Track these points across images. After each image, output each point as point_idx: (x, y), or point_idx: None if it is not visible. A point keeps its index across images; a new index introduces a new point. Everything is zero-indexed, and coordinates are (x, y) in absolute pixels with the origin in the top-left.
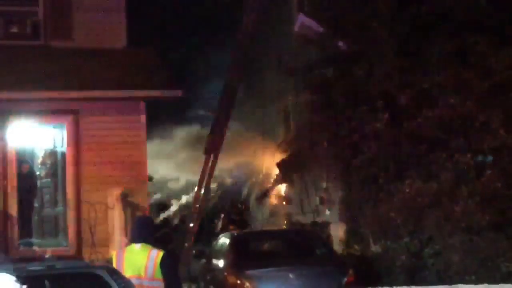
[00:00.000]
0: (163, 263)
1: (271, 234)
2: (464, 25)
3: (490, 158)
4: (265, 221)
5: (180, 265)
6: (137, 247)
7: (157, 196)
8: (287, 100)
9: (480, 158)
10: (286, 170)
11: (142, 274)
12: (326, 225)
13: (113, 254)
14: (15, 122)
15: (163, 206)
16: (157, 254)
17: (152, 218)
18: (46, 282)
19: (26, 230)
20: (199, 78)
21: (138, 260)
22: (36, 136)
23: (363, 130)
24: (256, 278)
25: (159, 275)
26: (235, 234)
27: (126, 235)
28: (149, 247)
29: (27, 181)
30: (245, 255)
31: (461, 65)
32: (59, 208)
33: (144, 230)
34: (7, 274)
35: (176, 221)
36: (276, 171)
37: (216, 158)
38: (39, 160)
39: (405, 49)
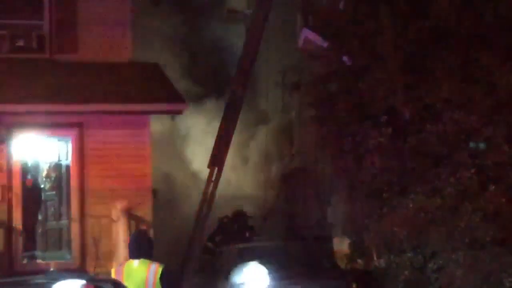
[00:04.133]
0: (163, 278)
1: (276, 248)
2: (469, 40)
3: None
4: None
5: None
6: (135, 263)
7: None
8: (291, 114)
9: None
10: (290, 185)
11: None
12: (329, 239)
13: (112, 270)
14: (20, 135)
15: None
16: (156, 269)
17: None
18: None
19: (30, 243)
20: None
21: (138, 276)
22: (41, 149)
23: (367, 145)
24: None
25: None
26: (240, 247)
27: None
28: (147, 262)
29: (31, 194)
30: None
31: (465, 80)
32: (63, 221)
33: (142, 245)
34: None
35: None
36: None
37: (220, 171)
38: (44, 173)
39: (410, 64)
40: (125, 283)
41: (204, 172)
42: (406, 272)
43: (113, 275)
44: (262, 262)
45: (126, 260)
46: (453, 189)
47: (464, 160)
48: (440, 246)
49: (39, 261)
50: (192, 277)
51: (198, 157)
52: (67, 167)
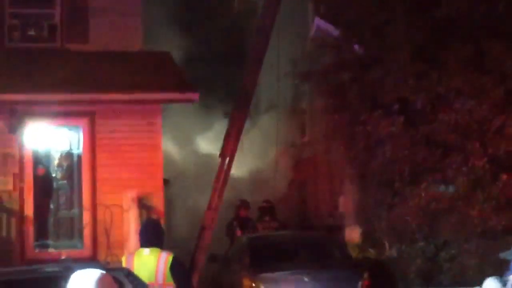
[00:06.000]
0: (173, 266)
1: (287, 237)
2: (481, 30)
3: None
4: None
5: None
6: (146, 252)
7: None
8: (303, 104)
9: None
10: (301, 174)
11: (153, 279)
12: (341, 228)
13: (123, 259)
14: (32, 124)
15: None
16: (166, 258)
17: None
18: None
19: (41, 232)
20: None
21: (148, 265)
22: (52, 138)
23: (378, 134)
24: (271, 281)
25: (169, 279)
26: (251, 237)
27: None
28: (158, 251)
29: (43, 183)
30: (260, 258)
31: (477, 69)
32: (75, 210)
33: (153, 234)
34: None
35: None
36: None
37: (231, 161)
38: (55, 162)
39: (421, 53)
40: (136, 271)
41: (216, 160)
42: (418, 262)
43: (123, 264)
44: (273, 252)
45: (137, 248)
46: (465, 179)
47: (476, 149)
48: (452, 236)
49: (51, 250)
50: (204, 265)
51: (210, 146)
52: (79, 156)
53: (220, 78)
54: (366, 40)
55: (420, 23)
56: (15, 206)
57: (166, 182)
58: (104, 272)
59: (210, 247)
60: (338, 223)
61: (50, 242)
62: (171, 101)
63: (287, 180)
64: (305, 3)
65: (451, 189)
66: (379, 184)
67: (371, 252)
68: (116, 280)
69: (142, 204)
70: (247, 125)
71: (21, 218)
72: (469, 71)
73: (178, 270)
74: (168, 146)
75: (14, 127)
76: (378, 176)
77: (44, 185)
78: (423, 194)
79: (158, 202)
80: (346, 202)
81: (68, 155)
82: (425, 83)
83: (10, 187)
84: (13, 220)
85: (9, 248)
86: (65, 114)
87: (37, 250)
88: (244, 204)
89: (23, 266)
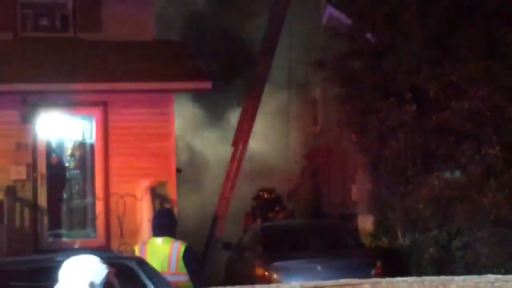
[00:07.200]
0: (186, 256)
1: (299, 226)
2: (494, 17)
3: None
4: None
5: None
6: (158, 241)
7: None
8: (315, 92)
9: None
10: (314, 163)
11: (166, 269)
12: (354, 217)
13: (136, 248)
14: (45, 114)
15: None
16: (179, 247)
17: (173, 210)
18: None
19: (55, 221)
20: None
21: (161, 254)
22: (66, 128)
23: (391, 122)
24: (283, 270)
25: (182, 268)
26: (263, 225)
27: None
28: (171, 240)
29: (56, 172)
30: (273, 246)
31: (491, 57)
32: (88, 199)
33: (165, 223)
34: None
35: None
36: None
37: (244, 150)
38: (68, 152)
39: (434, 40)
40: (149, 260)
41: (229, 150)
42: (431, 250)
43: (136, 253)
44: (285, 240)
45: (150, 238)
46: (478, 167)
47: (489, 137)
48: (465, 224)
49: (64, 239)
50: (217, 254)
51: (223, 135)
52: (92, 145)
53: (232, 66)
54: (379, 28)
55: (432, 10)
56: (29, 196)
57: (178, 171)
58: (97, 258)
59: (223, 235)
60: (351, 211)
61: (63, 231)
62: (184, 90)
63: (300, 169)
64: None
65: (457, 174)
66: (392, 173)
67: (384, 241)
68: (129, 269)
69: (155, 193)
70: (259, 113)
71: (35, 207)
72: (482, 59)
73: (191, 259)
74: (181, 135)
75: (27, 117)
76: (391, 164)
77: (57, 175)
78: (436, 182)
79: (171, 191)
80: (359, 191)
81: (81, 144)
82: (438, 70)
83: (23, 176)
84: (27, 210)
85: (23, 237)
86: (78, 103)
87: (50, 240)
88: (261, 193)
89: (36, 255)
